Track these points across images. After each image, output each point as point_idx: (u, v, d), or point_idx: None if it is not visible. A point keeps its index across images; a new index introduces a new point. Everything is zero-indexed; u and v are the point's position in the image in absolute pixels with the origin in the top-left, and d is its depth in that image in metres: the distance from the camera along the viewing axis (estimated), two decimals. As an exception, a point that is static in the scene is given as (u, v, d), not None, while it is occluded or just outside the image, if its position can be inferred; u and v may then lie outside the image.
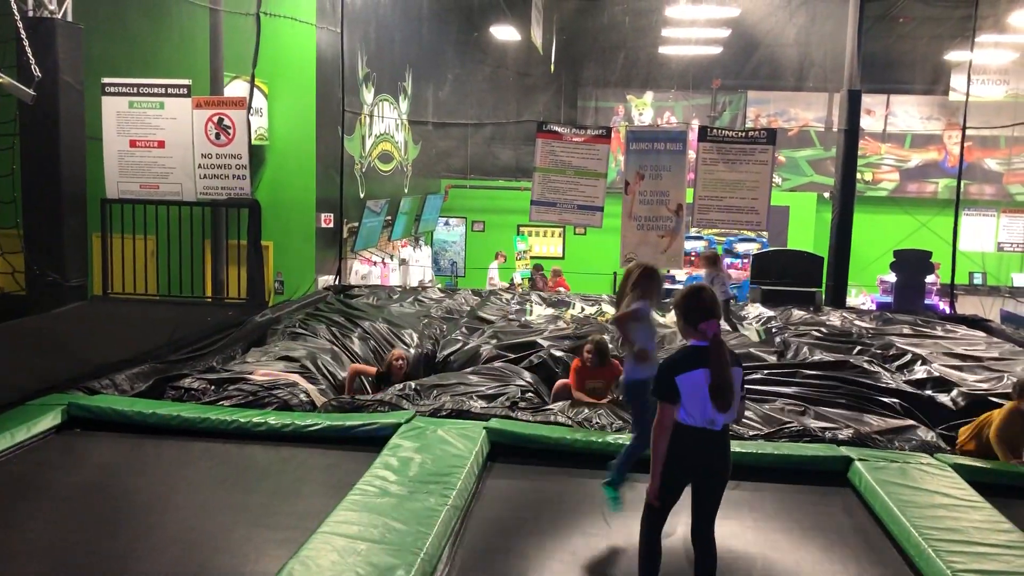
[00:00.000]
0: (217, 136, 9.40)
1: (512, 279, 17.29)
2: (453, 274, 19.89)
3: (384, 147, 15.64)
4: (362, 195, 14.15)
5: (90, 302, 9.30)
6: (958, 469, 5.01)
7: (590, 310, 10.25)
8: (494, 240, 19.42)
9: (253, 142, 10.63)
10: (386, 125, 15.59)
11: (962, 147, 11.23)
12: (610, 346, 6.67)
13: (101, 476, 4.76)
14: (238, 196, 9.52)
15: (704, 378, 3.46)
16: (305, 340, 7.73)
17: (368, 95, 14.48)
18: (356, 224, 13.56)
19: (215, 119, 9.39)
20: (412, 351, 7.81)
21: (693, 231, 18.08)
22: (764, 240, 18.68)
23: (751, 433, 5.57)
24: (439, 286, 13.11)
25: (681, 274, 17.62)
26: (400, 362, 7.04)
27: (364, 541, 3.69)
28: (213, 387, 6.09)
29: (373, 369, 7.18)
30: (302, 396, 6.14)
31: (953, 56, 18.26)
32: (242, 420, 5.38)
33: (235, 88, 11.35)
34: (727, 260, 18.76)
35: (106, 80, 9.49)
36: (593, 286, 15.38)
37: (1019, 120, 14.34)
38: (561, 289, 16.14)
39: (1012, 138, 19.06)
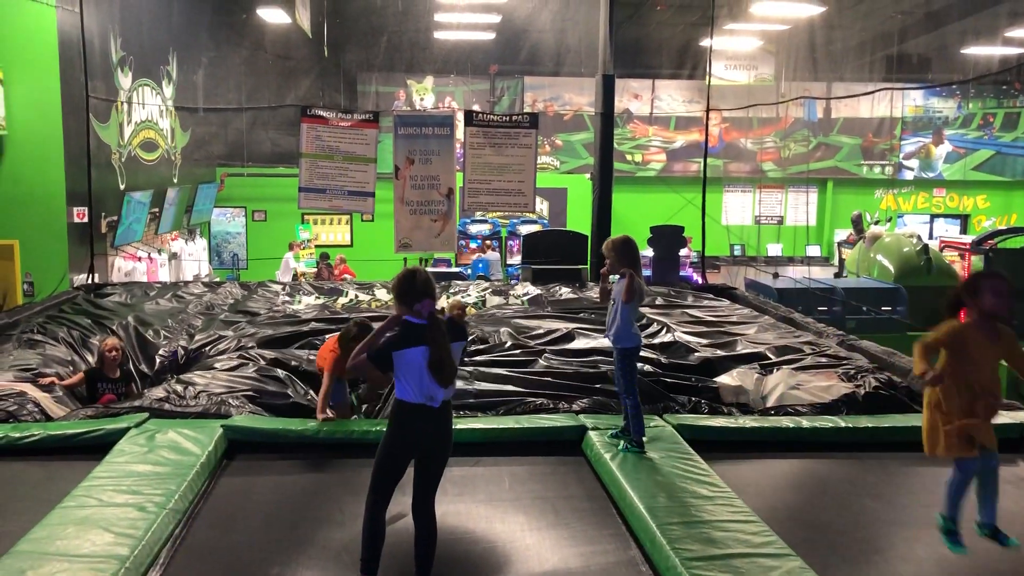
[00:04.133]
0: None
1: (293, 269, 16.84)
2: (235, 267, 19.09)
3: (147, 135, 14.75)
4: (122, 186, 13.26)
5: None
6: (679, 429, 5.39)
7: (364, 297, 10.17)
8: (277, 229, 18.80)
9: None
10: (148, 112, 14.71)
11: (706, 127, 12.07)
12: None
13: None
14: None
15: (423, 356, 3.55)
16: (44, 347, 7.17)
17: (125, 80, 13.58)
18: (116, 218, 12.71)
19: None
20: (164, 351, 7.43)
21: (478, 215, 18.40)
22: (545, 221, 19.25)
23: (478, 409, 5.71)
24: (204, 280, 12.53)
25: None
26: (113, 353, 6.58)
27: (62, 557, 3.47)
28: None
29: (77, 377, 6.61)
30: (30, 406, 5.71)
31: (706, 43, 19.53)
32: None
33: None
34: (511, 242, 19.22)
35: None
36: (381, 272, 15.23)
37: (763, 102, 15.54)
38: (347, 276, 15.94)
39: (762, 119, 20.72)
